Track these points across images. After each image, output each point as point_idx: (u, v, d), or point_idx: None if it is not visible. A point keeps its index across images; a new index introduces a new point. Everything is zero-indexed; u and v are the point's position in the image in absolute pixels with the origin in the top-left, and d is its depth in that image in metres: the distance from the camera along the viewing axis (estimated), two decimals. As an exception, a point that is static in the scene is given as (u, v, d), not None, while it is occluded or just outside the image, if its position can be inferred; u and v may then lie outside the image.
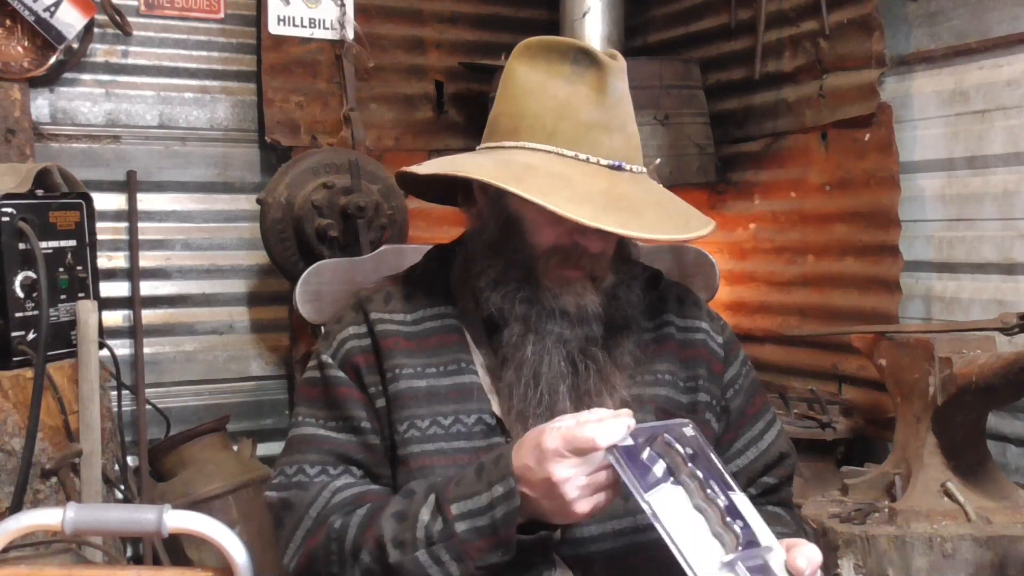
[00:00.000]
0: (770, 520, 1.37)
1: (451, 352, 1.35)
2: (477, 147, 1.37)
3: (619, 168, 1.28)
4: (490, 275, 1.32)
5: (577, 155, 1.27)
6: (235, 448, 3.26)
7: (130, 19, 3.30)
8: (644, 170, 1.32)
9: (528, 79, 1.31)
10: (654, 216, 1.25)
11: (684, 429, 1.16)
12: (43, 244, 2.51)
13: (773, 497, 1.46)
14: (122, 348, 3.22)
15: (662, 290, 1.46)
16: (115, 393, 2.86)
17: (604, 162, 1.27)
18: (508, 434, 1.31)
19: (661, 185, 1.38)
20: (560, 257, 1.29)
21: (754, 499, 1.44)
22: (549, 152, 1.27)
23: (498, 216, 1.32)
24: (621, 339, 1.34)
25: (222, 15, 3.46)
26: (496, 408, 1.32)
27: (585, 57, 1.29)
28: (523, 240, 1.30)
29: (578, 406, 1.29)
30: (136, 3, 3.34)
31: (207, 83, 3.47)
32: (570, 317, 1.29)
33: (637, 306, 1.36)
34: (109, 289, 3.21)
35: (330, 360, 1.37)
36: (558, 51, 1.30)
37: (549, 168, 1.25)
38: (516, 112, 1.31)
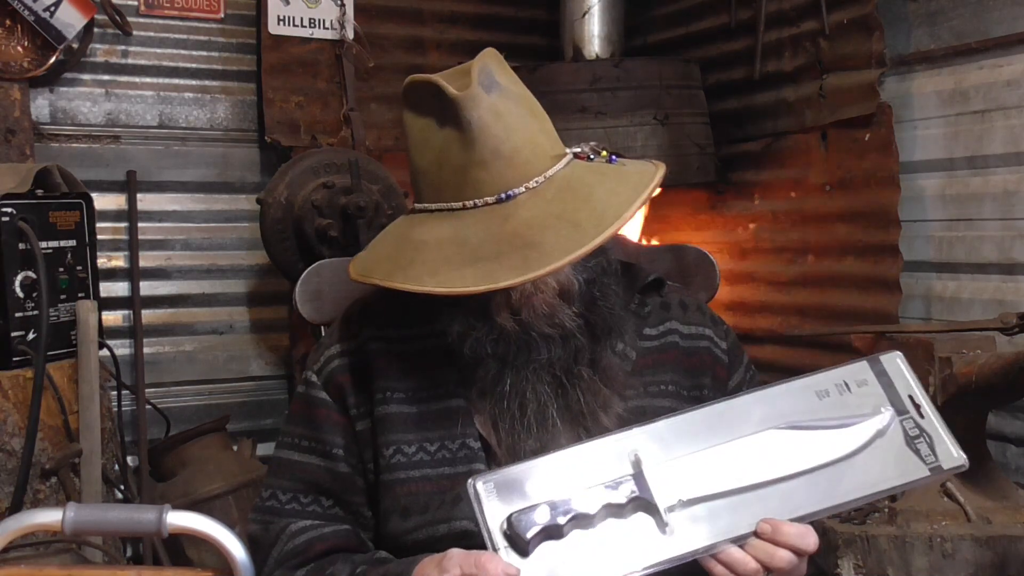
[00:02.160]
0: None
1: (442, 374, 1.33)
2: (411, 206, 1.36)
3: (510, 197, 1.22)
4: (455, 328, 1.29)
5: (464, 204, 1.23)
6: (235, 448, 3.26)
7: (130, 19, 3.30)
8: (551, 172, 1.24)
9: (413, 131, 1.28)
10: (555, 237, 1.18)
11: None
12: (43, 244, 2.51)
13: None
14: (122, 348, 3.22)
15: (665, 296, 1.43)
16: (115, 393, 2.87)
17: (492, 199, 1.22)
18: (495, 457, 1.30)
19: (602, 159, 1.32)
20: (506, 293, 1.25)
21: None
22: (441, 211, 1.25)
23: None
24: (607, 351, 1.31)
25: (222, 15, 3.46)
26: (484, 429, 1.31)
27: (439, 99, 1.23)
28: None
29: (573, 426, 1.27)
30: (136, 3, 3.34)
31: (207, 83, 3.48)
32: (552, 339, 1.26)
33: (617, 303, 1.32)
34: (109, 289, 3.22)
35: (315, 379, 1.37)
36: (424, 94, 1.26)
37: (440, 236, 1.23)
38: (415, 172, 1.30)
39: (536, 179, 1.23)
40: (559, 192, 1.23)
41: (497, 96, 1.24)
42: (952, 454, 1.11)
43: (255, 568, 1.16)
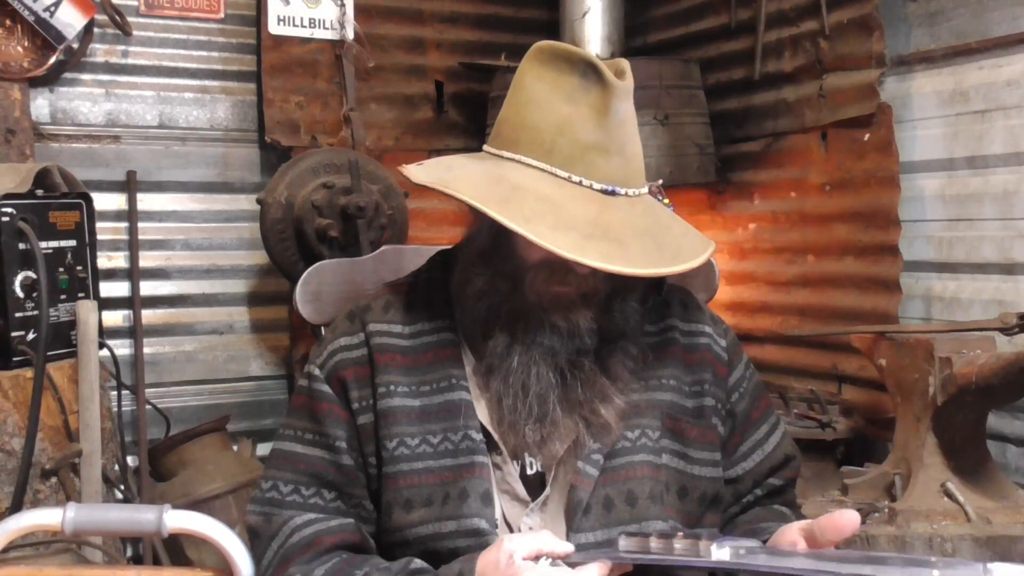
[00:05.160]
0: (775, 519, 1.38)
1: (444, 368, 1.34)
2: (483, 146, 1.36)
3: (612, 193, 1.26)
4: (477, 284, 1.31)
5: (571, 176, 1.25)
6: (235, 448, 3.26)
7: (130, 19, 3.30)
8: (643, 191, 1.30)
9: (535, 88, 1.29)
10: (641, 247, 1.22)
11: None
12: (43, 244, 2.51)
13: (779, 498, 1.46)
14: (122, 348, 3.22)
15: (665, 294, 1.45)
16: (115, 393, 2.87)
17: (597, 186, 1.25)
18: (497, 448, 1.31)
19: (665, 203, 1.36)
20: (548, 272, 1.27)
21: (760, 500, 1.44)
22: (543, 171, 1.25)
23: (491, 224, 1.28)
24: (614, 349, 1.32)
25: (222, 15, 3.46)
26: (486, 421, 1.32)
27: (593, 73, 1.26)
28: (513, 252, 1.28)
29: (571, 415, 1.28)
30: (136, 3, 3.34)
31: (207, 83, 3.48)
32: (560, 332, 1.28)
33: (632, 316, 1.34)
34: (109, 289, 3.22)
35: (318, 372, 1.37)
36: (568, 61, 1.27)
37: (539, 190, 1.23)
38: (518, 122, 1.30)
39: (635, 189, 1.28)
40: (647, 211, 1.28)
41: (631, 107, 1.31)
42: None
43: (253, 559, 1.17)
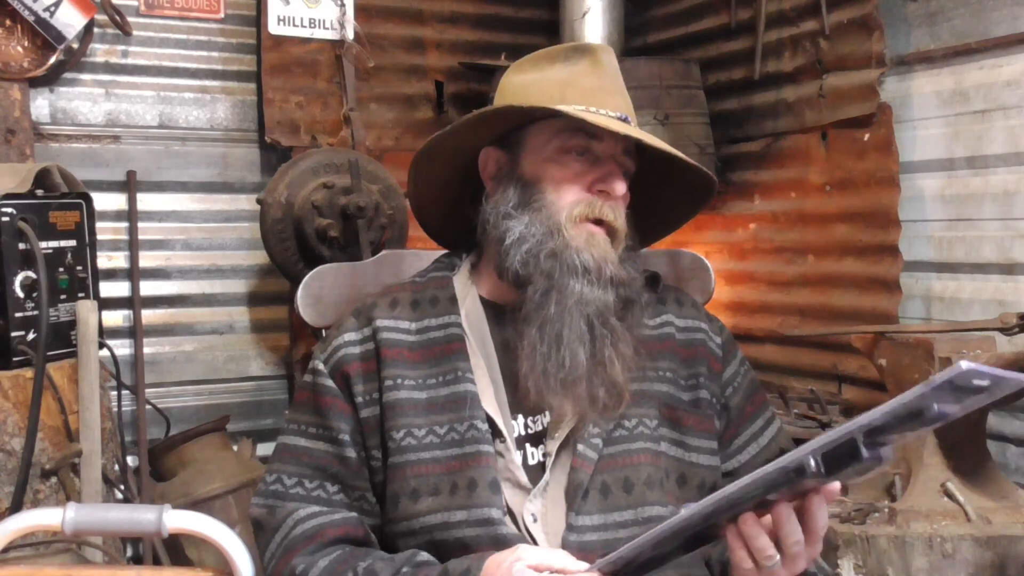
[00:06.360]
0: None
1: (451, 361, 1.37)
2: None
3: (628, 121, 1.37)
4: (515, 232, 1.36)
5: (588, 108, 1.34)
6: (235, 448, 3.26)
7: (130, 19, 3.30)
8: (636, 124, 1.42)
9: (525, 78, 1.41)
10: (672, 147, 1.36)
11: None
12: (43, 244, 2.51)
13: None
14: (122, 348, 3.22)
15: (661, 292, 1.48)
16: (115, 393, 2.87)
17: (614, 114, 1.36)
18: (501, 437, 1.33)
19: None
20: (583, 208, 1.35)
21: None
22: (563, 110, 1.33)
23: (516, 183, 1.38)
24: (627, 315, 1.37)
25: (222, 15, 3.46)
26: (492, 411, 1.34)
27: (575, 50, 1.41)
28: (543, 196, 1.36)
29: (592, 375, 1.31)
30: (136, 3, 3.34)
31: (207, 83, 3.48)
32: (591, 274, 1.32)
33: (638, 282, 1.39)
34: (109, 289, 3.21)
35: (322, 367, 1.40)
36: (548, 55, 1.42)
37: (572, 111, 1.33)
38: (520, 100, 1.38)
39: (635, 124, 1.40)
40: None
41: (617, 66, 1.45)
42: None
43: (257, 551, 1.18)
